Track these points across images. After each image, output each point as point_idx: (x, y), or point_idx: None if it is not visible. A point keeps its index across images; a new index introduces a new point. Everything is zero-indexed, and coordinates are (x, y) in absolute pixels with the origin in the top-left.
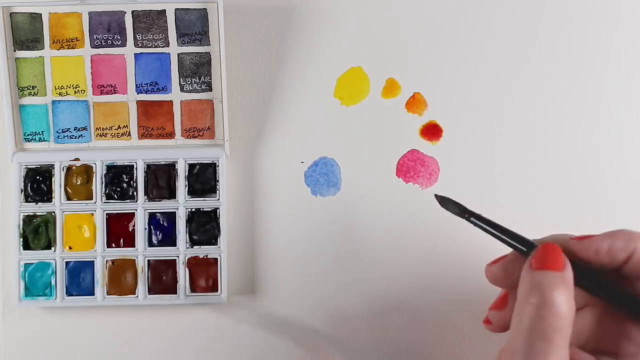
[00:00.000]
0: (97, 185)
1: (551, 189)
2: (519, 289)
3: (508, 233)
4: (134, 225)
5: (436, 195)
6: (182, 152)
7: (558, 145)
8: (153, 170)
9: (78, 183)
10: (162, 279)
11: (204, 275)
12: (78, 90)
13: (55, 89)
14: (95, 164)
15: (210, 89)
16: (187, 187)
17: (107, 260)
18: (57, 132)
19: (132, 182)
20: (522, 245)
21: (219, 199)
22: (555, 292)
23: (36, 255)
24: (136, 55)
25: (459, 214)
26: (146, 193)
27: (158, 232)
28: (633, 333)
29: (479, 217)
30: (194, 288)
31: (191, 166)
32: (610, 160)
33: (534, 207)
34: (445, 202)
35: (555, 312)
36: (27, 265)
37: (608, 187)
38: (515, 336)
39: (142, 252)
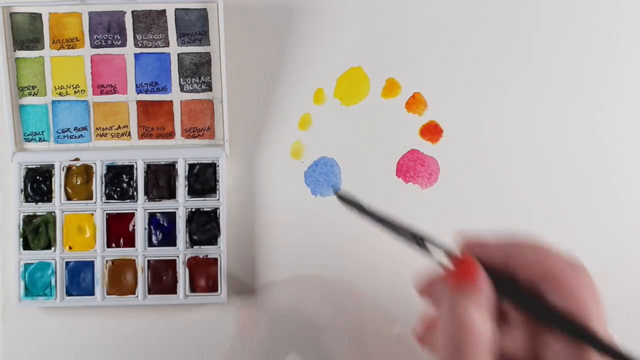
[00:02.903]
0: (97, 185)
1: (551, 188)
2: (440, 306)
3: (402, 230)
4: (134, 225)
5: (337, 195)
6: (182, 152)
7: (558, 144)
8: (153, 170)
9: (78, 183)
10: (162, 279)
11: (204, 275)
12: (78, 90)
13: (55, 89)
14: (95, 164)
15: (210, 89)
16: (187, 187)
17: (107, 260)
18: (57, 132)
19: (132, 182)
20: (416, 241)
21: (219, 199)
22: (467, 312)
23: (36, 255)
24: (136, 55)
25: (358, 212)
26: (146, 193)
27: (158, 232)
28: (550, 341)
29: (374, 215)
30: (194, 288)
31: (191, 166)
32: (612, 159)
33: (535, 207)
34: (344, 200)
35: (469, 331)
36: (27, 265)
37: (610, 186)
38: (440, 354)
39: (142, 252)
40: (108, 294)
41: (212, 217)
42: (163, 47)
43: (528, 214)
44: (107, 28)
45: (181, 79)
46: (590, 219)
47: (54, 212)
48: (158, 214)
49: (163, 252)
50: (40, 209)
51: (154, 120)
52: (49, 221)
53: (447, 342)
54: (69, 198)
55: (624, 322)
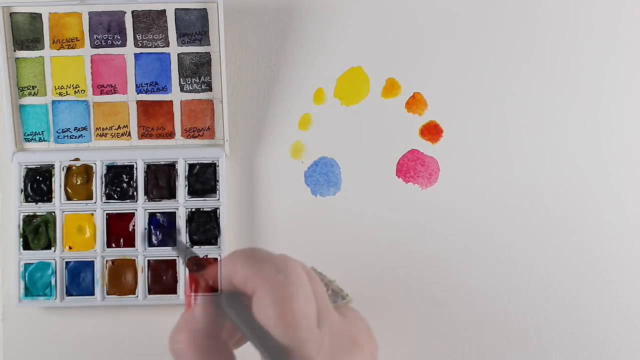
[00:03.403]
0: (97, 185)
1: (551, 188)
2: None
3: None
4: (134, 225)
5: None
6: (182, 152)
7: (558, 144)
8: (153, 170)
9: (78, 183)
10: (162, 279)
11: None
12: (78, 90)
13: (55, 89)
14: (95, 164)
15: (210, 89)
16: (187, 187)
17: (107, 260)
18: (57, 132)
19: (132, 182)
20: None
21: (219, 199)
22: (172, 338)
23: (36, 255)
24: (136, 55)
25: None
26: (146, 193)
27: (158, 232)
28: None
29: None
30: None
31: (191, 166)
32: (612, 160)
33: (534, 206)
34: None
35: (176, 354)
36: (27, 265)
37: (610, 185)
38: None
39: (142, 252)
40: (108, 294)
41: (212, 217)
42: (163, 47)
43: (529, 214)
44: (107, 28)
45: (181, 79)
46: (591, 218)
47: (54, 212)
48: (158, 214)
49: (163, 252)
50: (40, 209)
51: (154, 120)
52: (49, 221)
53: None
54: (69, 198)
55: (626, 322)
